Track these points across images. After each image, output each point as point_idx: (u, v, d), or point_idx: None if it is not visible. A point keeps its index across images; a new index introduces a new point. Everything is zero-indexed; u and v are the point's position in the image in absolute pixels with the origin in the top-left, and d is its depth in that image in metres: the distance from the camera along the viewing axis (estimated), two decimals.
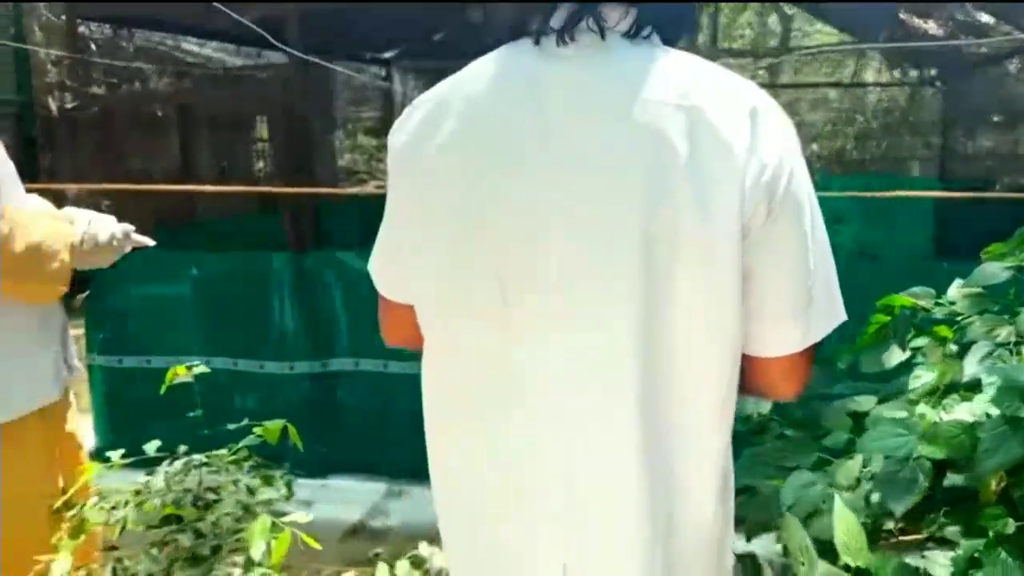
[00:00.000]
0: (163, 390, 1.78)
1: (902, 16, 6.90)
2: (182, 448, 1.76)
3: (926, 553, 1.72)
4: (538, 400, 1.12)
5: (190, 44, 5.12)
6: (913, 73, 10.09)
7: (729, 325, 1.10)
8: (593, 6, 1.11)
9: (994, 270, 2.11)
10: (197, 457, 1.78)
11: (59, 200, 1.89)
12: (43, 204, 1.86)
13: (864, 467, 1.89)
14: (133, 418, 3.55)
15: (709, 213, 1.04)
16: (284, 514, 1.73)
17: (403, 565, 1.73)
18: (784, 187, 1.07)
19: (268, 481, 1.84)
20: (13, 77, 4.84)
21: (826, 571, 1.44)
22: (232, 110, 4.85)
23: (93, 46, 4.57)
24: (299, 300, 4.04)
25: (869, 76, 12.33)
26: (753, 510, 1.94)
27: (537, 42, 1.14)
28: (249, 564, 1.51)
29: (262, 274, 4.01)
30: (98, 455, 1.88)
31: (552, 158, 1.08)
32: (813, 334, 1.14)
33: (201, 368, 1.81)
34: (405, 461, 3.82)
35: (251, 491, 1.77)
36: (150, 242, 1.89)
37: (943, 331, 2.12)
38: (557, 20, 1.12)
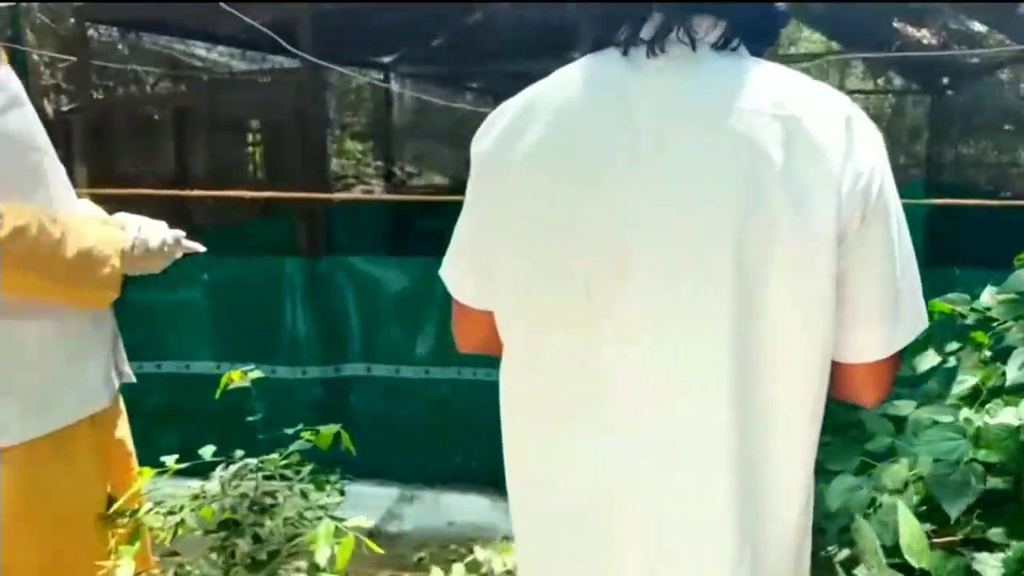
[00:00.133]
0: (218, 395, 1.78)
1: (895, 25, 6.98)
2: (238, 453, 1.75)
3: (975, 555, 1.74)
4: (626, 409, 1.12)
5: (197, 48, 5.11)
6: (898, 81, 10.21)
7: (822, 331, 1.11)
8: (684, 18, 1.12)
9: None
10: (251, 461, 1.77)
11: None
12: (93, 209, 1.85)
13: (909, 470, 1.92)
14: (146, 423, 3.52)
15: (806, 219, 1.05)
16: (338, 519, 1.73)
17: (459, 568, 1.73)
18: (876, 194, 1.08)
19: (319, 485, 1.83)
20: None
21: (892, 574, 1.46)
22: (232, 114, 4.85)
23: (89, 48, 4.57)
24: (311, 305, 4.04)
25: (852, 83, 12.46)
26: None
27: (626, 52, 1.15)
28: (313, 569, 1.51)
29: (274, 279, 4.00)
30: None
31: (642, 166, 1.09)
32: (900, 339, 1.15)
33: (257, 373, 1.80)
34: (418, 466, 3.83)
35: (304, 495, 1.77)
36: (201, 248, 1.88)
37: (980, 336, 2.15)
38: (648, 31, 1.13)
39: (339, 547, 1.56)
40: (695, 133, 1.08)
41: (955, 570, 1.59)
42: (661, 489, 1.12)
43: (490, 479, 4.11)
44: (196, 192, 3.73)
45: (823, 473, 2.04)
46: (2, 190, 1.49)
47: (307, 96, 4.16)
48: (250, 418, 1.80)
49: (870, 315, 1.13)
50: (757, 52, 1.18)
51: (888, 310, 1.13)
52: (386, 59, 6.76)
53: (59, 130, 5.00)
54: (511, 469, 1.30)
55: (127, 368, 1.87)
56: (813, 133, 1.06)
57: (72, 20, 3.97)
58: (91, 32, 4.20)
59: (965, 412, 1.94)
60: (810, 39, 12.32)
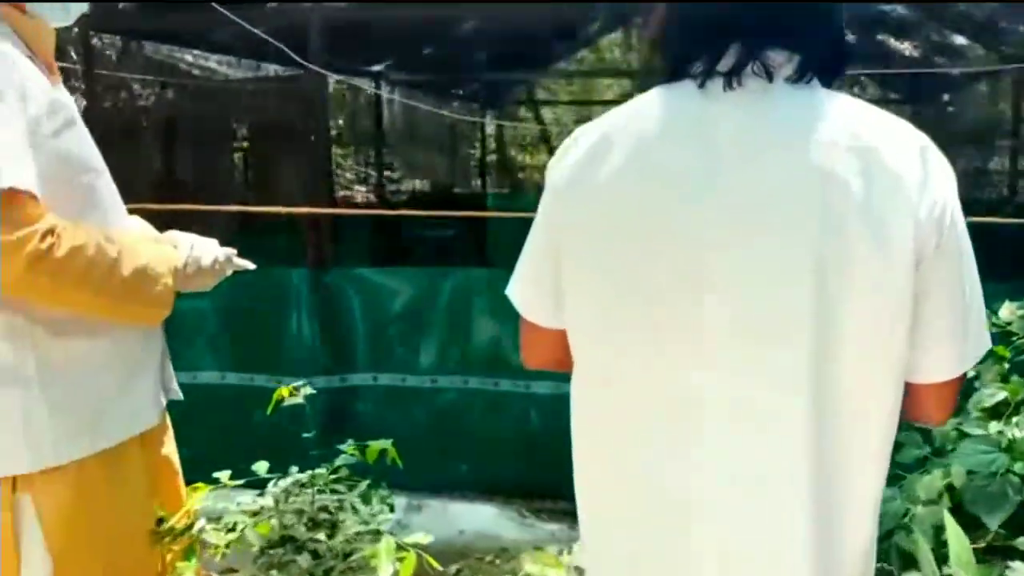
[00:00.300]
0: (269, 411, 1.79)
1: (879, 37, 7.11)
2: (293, 468, 1.77)
3: (1010, 563, 1.80)
4: (702, 429, 1.15)
5: (191, 56, 5.09)
6: (873, 91, 10.37)
7: (897, 354, 1.15)
8: (760, 51, 1.16)
9: None
10: (302, 476, 1.79)
11: None
12: (144, 225, 1.86)
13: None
14: None
15: (883, 247, 1.09)
16: (388, 534, 1.75)
17: None
18: (949, 223, 1.13)
19: (366, 499, 1.85)
20: None
21: None
22: (236, 122, 4.85)
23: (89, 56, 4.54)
24: (317, 315, 4.05)
25: None
26: None
27: (703, 85, 1.18)
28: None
29: (280, 289, 4.00)
30: None
31: (720, 195, 1.12)
32: (969, 360, 1.20)
33: (308, 390, 1.82)
34: (424, 475, 3.85)
35: (355, 510, 1.79)
36: (251, 265, 1.89)
37: (1000, 350, 2.22)
38: (725, 64, 1.16)
39: (401, 564, 1.58)
40: (773, 163, 1.12)
41: None
42: (736, 508, 1.15)
43: (496, 488, 4.16)
44: (232, 207, 3.72)
45: None
46: (59, 210, 1.50)
47: (313, 105, 4.17)
48: (305, 435, 1.81)
49: (941, 338, 1.17)
50: (828, 84, 1.22)
51: (958, 333, 1.17)
52: (376, 67, 6.77)
53: None
54: (582, 484, 1.33)
55: (174, 385, 1.88)
56: (890, 164, 1.10)
57: (75, 30, 3.96)
58: (94, 41, 4.18)
59: (994, 425, 2.00)
60: None
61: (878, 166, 1.10)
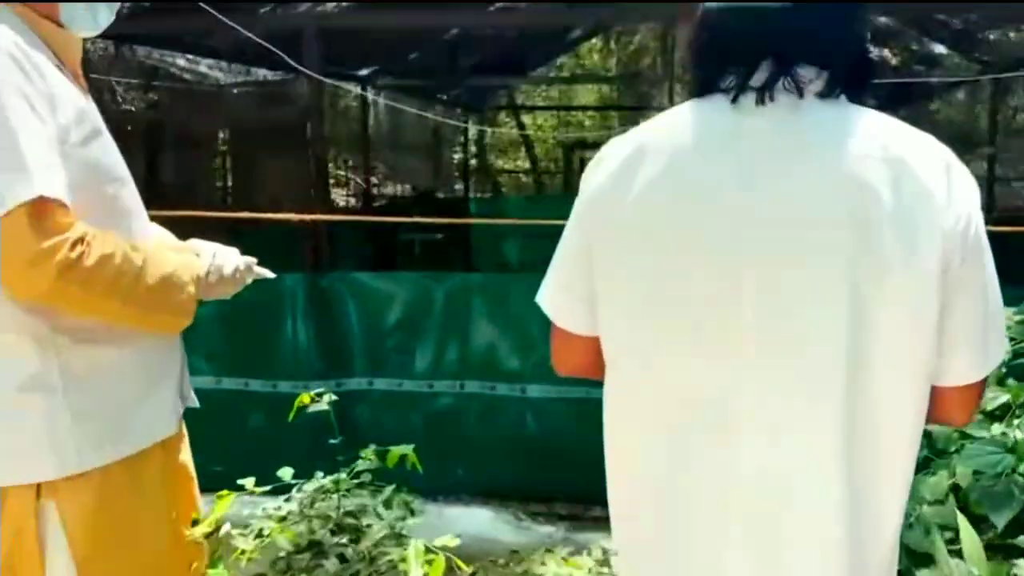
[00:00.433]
0: (291, 417, 1.81)
1: None
2: (319, 474, 1.78)
3: (1016, 561, 1.86)
4: (737, 435, 1.18)
5: (185, 61, 5.08)
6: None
7: (925, 360, 1.19)
8: (791, 67, 1.20)
9: None
10: (324, 482, 1.81)
11: None
12: (165, 233, 1.87)
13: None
14: None
15: (913, 256, 1.14)
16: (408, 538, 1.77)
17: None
18: (974, 235, 1.18)
19: (388, 504, 1.87)
20: None
21: None
22: (229, 126, 4.85)
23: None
24: (313, 320, 4.06)
25: None
26: None
27: (735, 99, 1.22)
28: None
29: (276, 294, 4.00)
30: None
31: (754, 206, 1.16)
32: (991, 363, 1.25)
33: (330, 396, 1.84)
34: (420, 480, 3.86)
35: (379, 515, 1.81)
36: (270, 274, 1.91)
37: None
38: (757, 79, 1.20)
39: (430, 567, 1.60)
40: (806, 174, 1.16)
41: (994, 574, 1.70)
42: (768, 511, 1.19)
43: (491, 492, 4.19)
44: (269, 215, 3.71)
45: None
46: (86, 219, 1.51)
47: (309, 109, 4.18)
48: (332, 440, 1.83)
49: (966, 343, 1.22)
50: (854, 99, 1.27)
51: (980, 338, 1.22)
52: (363, 72, 6.79)
53: None
54: (614, 487, 1.36)
55: (191, 392, 1.89)
56: (919, 176, 1.15)
57: None
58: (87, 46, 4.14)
59: (996, 427, 2.06)
60: None
61: (908, 178, 1.14)
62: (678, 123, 1.25)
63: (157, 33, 4.41)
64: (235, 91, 5.83)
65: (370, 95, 6.93)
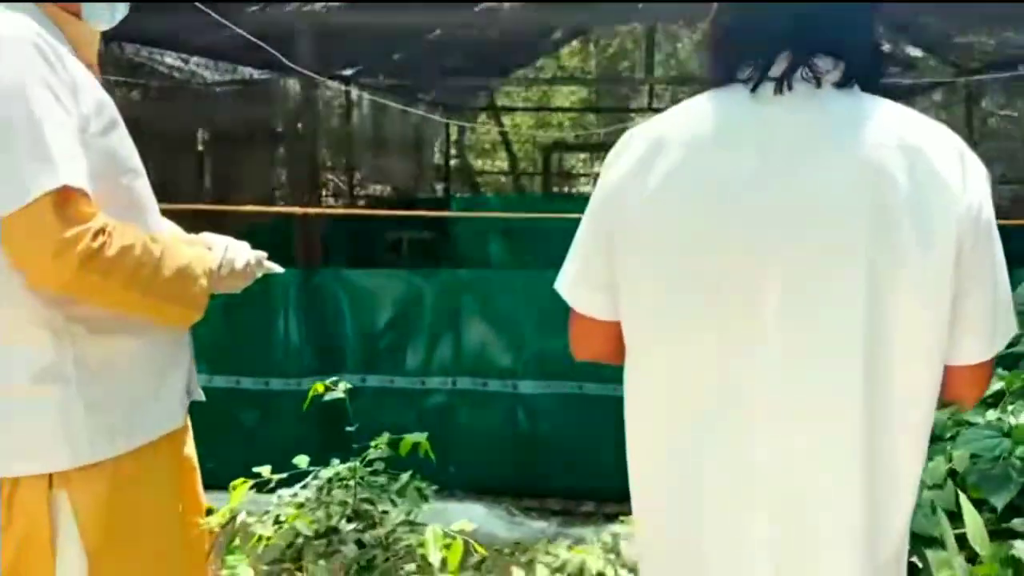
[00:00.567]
0: (305, 407, 1.83)
1: None
2: (335, 461, 1.81)
3: (1014, 543, 1.92)
4: (758, 418, 1.21)
5: (173, 59, 5.07)
6: None
7: (939, 340, 1.23)
8: (809, 58, 1.24)
9: None
10: (340, 470, 1.83)
11: None
12: (174, 227, 1.88)
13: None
14: None
15: (929, 241, 1.18)
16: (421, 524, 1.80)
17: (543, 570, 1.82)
18: (985, 219, 1.22)
19: (401, 492, 1.90)
20: None
21: (959, 561, 1.61)
22: (219, 123, 4.84)
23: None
24: (306, 316, 4.06)
25: None
26: None
27: (754, 89, 1.26)
28: (428, 570, 1.58)
29: (268, 290, 4.00)
30: None
31: (774, 193, 1.20)
32: (1000, 343, 1.30)
33: (345, 385, 1.86)
34: (413, 476, 3.88)
35: (394, 502, 1.83)
36: (280, 269, 1.92)
37: None
38: (776, 70, 1.24)
39: (449, 551, 1.63)
40: (825, 161, 1.20)
41: (1006, 558, 1.75)
42: (789, 494, 1.21)
43: (483, 487, 4.21)
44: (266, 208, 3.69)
45: None
46: (104, 209, 1.52)
47: (297, 109, 4.18)
48: (348, 428, 1.85)
49: (977, 324, 1.26)
50: (867, 89, 1.31)
51: (990, 319, 1.26)
52: (347, 71, 6.80)
53: None
54: (635, 471, 1.38)
55: (198, 387, 1.90)
56: (934, 164, 1.19)
57: None
58: None
59: (991, 413, 2.12)
60: None
61: (923, 165, 1.18)
62: (698, 113, 1.28)
63: (143, 30, 4.40)
64: (217, 90, 5.82)
65: (354, 93, 6.94)
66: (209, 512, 1.78)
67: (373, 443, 1.95)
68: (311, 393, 1.86)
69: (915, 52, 6.88)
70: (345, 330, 4.14)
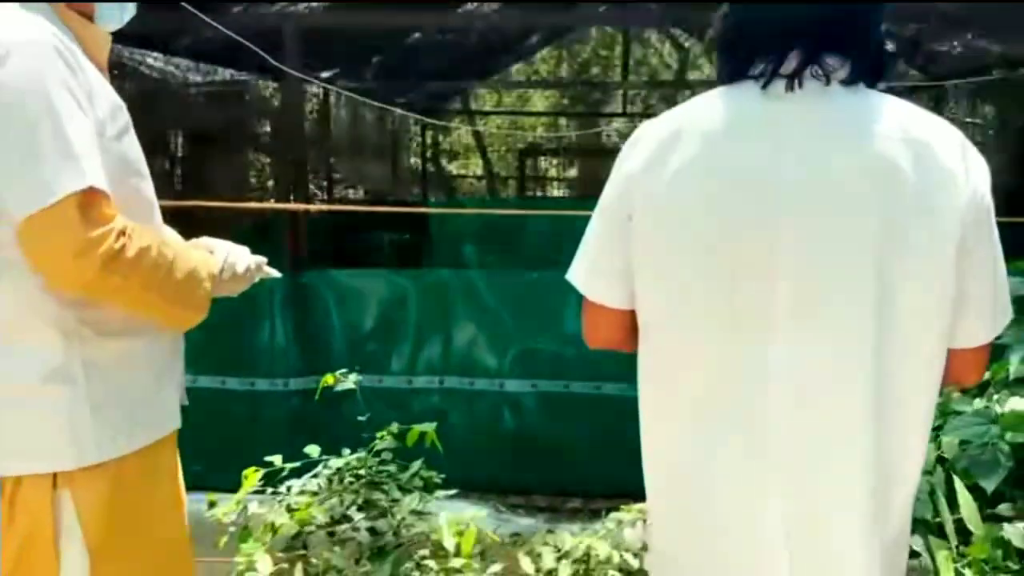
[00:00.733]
0: (316, 397, 1.86)
1: None
2: (346, 451, 1.83)
3: (1005, 525, 1.99)
4: (771, 402, 1.25)
5: (150, 58, 5.04)
6: None
7: (944, 325, 1.29)
8: (818, 56, 1.29)
9: (1014, 283, 2.43)
10: (350, 459, 1.86)
11: None
12: (173, 233, 1.89)
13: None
14: None
15: (935, 231, 1.24)
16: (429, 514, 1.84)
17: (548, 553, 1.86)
18: (986, 208, 1.28)
19: (409, 482, 1.93)
20: None
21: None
22: (208, 124, 4.83)
23: None
24: (292, 317, 4.07)
25: None
26: None
27: (765, 86, 1.31)
28: (440, 556, 1.61)
29: (254, 290, 3.98)
30: None
31: (786, 185, 1.24)
32: (999, 327, 1.36)
33: (355, 377, 1.89)
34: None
35: (403, 490, 1.87)
36: (278, 274, 1.94)
37: None
38: (787, 67, 1.29)
39: (463, 537, 1.66)
40: (835, 154, 1.25)
41: (997, 539, 1.82)
42: (802, 476, 1.26)
43: (471, 485, 4.22)
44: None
45: None
46: (121, 213, 1.54)
47: (289, 109, 4.19)
48: (360, 418, 1.88)
49: (978, 309, 1.32)
50: (872, 86, 1.36)
51: (990, 303, 1.33)
52: (325, 74, 6.80)
53: None
54: (649, 454, 1.42)
55: (184, 389, 1.91)
56: (938, 156, 1.25)
57: None
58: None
59: (978, 402, 2.19)
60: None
61: (929, 158, 1.24)
62: (710, 107, 1.32)
63: (130, 32, 4.36)
64: (193, 91, 5.80)
65: (332, 96, 6.94)
66: (212, 505, 1.80)
67: (379, 434, 1.98)
68: (321, 385, 1.88)
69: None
70: (332, 330, 4.15)
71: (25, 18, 1.49)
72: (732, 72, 1.34)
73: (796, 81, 1.27)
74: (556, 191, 13.88)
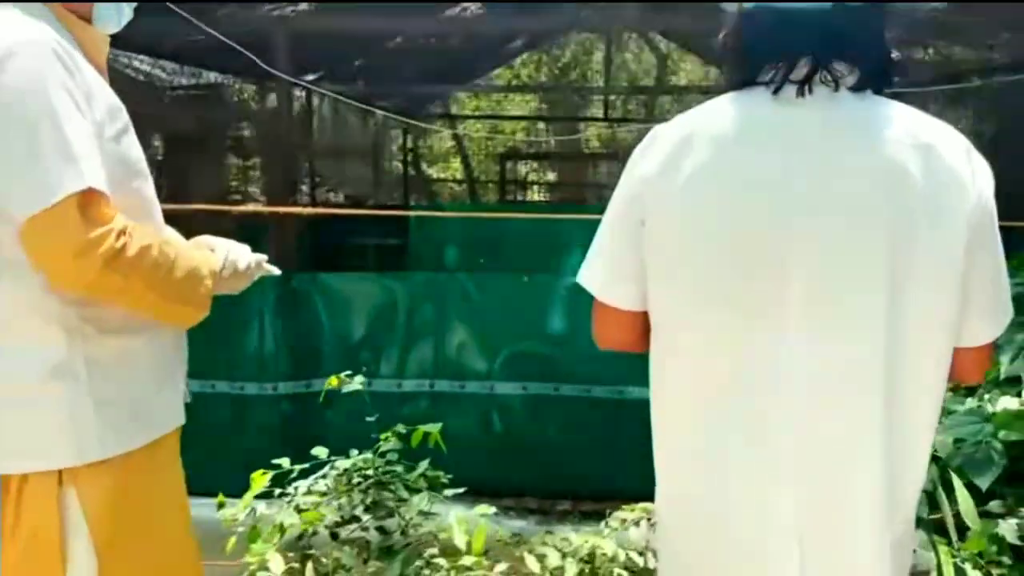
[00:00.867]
0: (321, 399, 1.86)
1: None
2: (354, 451, 1.84)
3: (1000, 522, 2.03)
4: (784, 398, 1.28)
5: (143, 63, 5.00)
6: None
7: (951, 324, 1.32)
8: (828, 63, 1.32)
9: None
10: (357, 460, 1.87)
11: None
12: (173, 231, 1.90)
13: None
14: None
15: (943, 233, 1.27)
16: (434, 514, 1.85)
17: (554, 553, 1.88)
18: (990, 210, 1.32)
19: (415, 482, 1.95)
20: None
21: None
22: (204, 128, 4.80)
23: None
24: (282, 321, 4.06)
25: None
26: None
27: (776, 92, 1.34)
28: (450, 554, 1.63)
29: (244, 294, 3.97)
30: None
31: (799, 188, 1.27)
32: (1002, 327, 1.40)
33: (361, 378, 1.90)
34: None
35: (409, 490, 1.88)
36: (278, 271, 1.95)
37: None
38: (797, 74, 1.32)
39: (474, 533, 1.68)
40: (845, 157, 1.28)
41: (992, 535, 1.86)
42: (814, 471, 1.29)
43: (463, 487, 4.22)
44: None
45: None
46: (121, 213, 1.54)
47: (279, 112, 4.18)
48: (369, 418, 1.89)
49: (984, 306, 1.35)
50: (879, 92, 1.40)
51: (993, 303, 1.36)
52: (309, 77, 6.77)
53: None
54: (662, 449, 1.44)
55: (187, 387, 1.91)
56: (946, 160, 1.28)
57: None
58: None
59: (970, 401, 2.24)
60: (687, 71, 12.81)
61: (936, 161, 1.28)
62: (722, 113, 1.35)
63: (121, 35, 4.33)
64: (174, 94, 5.76)
65: (315, 99, 6.92)
66: (221, 506, 1.81)
67: (384, 435, 1.99)
68: (326, 386, 1.89)
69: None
70: (322, 333, 4.15)
71: (24, 20, 1.50)
72: (743, 78, 1.37)
73: (806, 87, 1.30)
74: (536, 195, 13.92)
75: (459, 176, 13.27)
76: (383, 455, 1.93)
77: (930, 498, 1.92)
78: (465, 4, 5.64)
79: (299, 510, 1.73)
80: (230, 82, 5.98)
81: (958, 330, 1.35)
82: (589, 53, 12.32)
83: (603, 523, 2.00)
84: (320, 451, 1.85)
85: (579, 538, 1.90)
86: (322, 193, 8.74)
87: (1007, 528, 2.01)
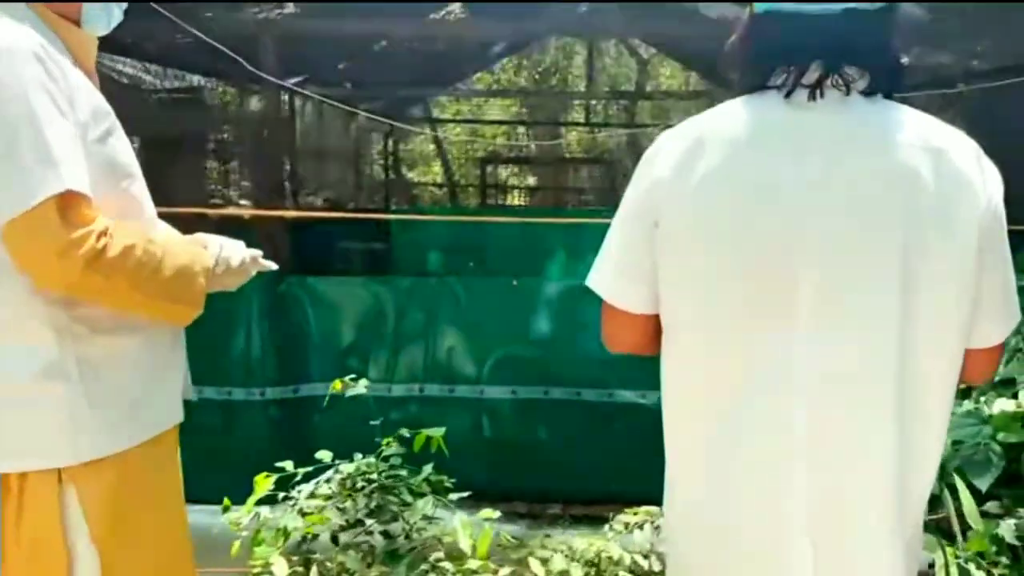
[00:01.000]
0: (325, 403, 1.85)
1: None
2: (358, 455, 1.83)
3: (1001, 522, 2.05)
4: (796, 398, 1.29)
5: (127, 66, 4.96)
6: None
7: (963, 325, 1.33)
8: (839, 67, 1.33)
9: None
10: (360, 464, 1.86)
11: None
12: (170, 229, 1.89)
13: None
14: None
15: (955, 235, 1.29)
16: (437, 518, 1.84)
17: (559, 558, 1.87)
18: (1000, 214, 1.34)
19: (419, 487, 1.94)
20: None
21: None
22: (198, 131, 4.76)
23: None
24: (270, 325, 4.03)
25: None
26: None
27: (788, 95, 1.34)
28: (457, 558, 1.62)
29: (232, 298, 3.94)
30: None
31: (811, 190, 1.28)
32: (1010, 327, 1.41)
33: (365, 382, 1.89)
34: None
35: (415, 493, 1.87)
36: (274, 266, 1.94)
37: None
38: (809, 78, 1.33)
39: (479, 539, 1.67)
40: (857, 160, 1.29)
41: (993, 535, 1.88)
42: (825, 470, 1.30)
43: (468, 493, 4.20)
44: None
45: None
46: (106, 214, 1.54)
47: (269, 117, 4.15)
48: (372, 422, 1.88)
49: (993, 308, 1.37)
50: (889, 97, 1.41)
51: (1001, 305, 1.38)
52: (292, 80, 6.74)
53: None
54: (673, 448, 1.44)
55: (189, 385, 1.90)
56: (956, 164, 1.29)
57: None
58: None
59: (967, 403, 2.26)
60: (668, 76, 12.89)
61: (947, 165, 1.29)
62: (734, 116, 1.36)
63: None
64: (157, 96, 5.72)
65: (297, 102, 6.88)
66: (226, 509, 1.79)
67: (385, 440, 1.98)
68: (330, 390, 1.87)
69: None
70: (310, 338, 4.12)
71: (6, 23, 1.50)
72: (754, 82, 1.38)
73: (818, 91, 1.31)
74: (517, 199, 13.93)
75: (440, 180, 13.26)
76: (386, 459, 1.92)
77: (931, 499, 1.93)
78: (449, 8, 5.64)
79: (303, 514, 1.72)
80: (214, 85, 5.94)
81: (968, 331, 1.36)
82: (570, 58, 12.38)
83: (607, 526, 2.00)
84: (324, 455, 1.83)
85: (583, 541, 1.89)
86: (303, 197, 8.70)
87: (1005, 528, 2.03)
